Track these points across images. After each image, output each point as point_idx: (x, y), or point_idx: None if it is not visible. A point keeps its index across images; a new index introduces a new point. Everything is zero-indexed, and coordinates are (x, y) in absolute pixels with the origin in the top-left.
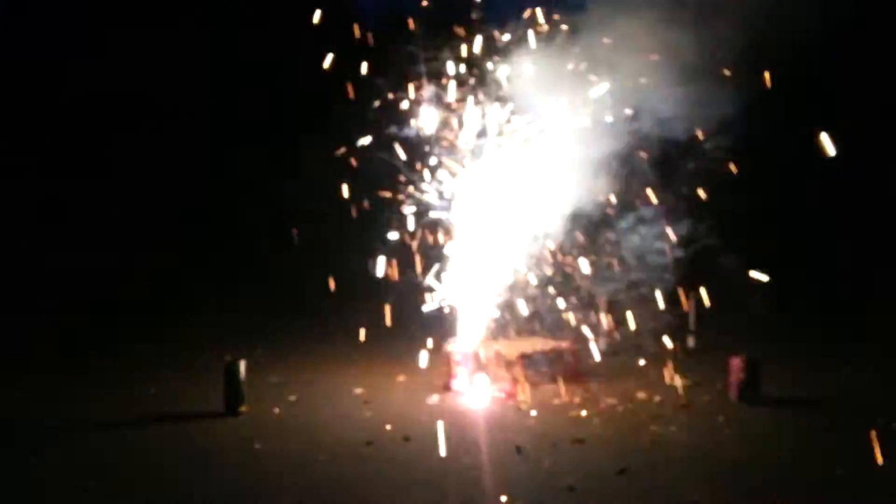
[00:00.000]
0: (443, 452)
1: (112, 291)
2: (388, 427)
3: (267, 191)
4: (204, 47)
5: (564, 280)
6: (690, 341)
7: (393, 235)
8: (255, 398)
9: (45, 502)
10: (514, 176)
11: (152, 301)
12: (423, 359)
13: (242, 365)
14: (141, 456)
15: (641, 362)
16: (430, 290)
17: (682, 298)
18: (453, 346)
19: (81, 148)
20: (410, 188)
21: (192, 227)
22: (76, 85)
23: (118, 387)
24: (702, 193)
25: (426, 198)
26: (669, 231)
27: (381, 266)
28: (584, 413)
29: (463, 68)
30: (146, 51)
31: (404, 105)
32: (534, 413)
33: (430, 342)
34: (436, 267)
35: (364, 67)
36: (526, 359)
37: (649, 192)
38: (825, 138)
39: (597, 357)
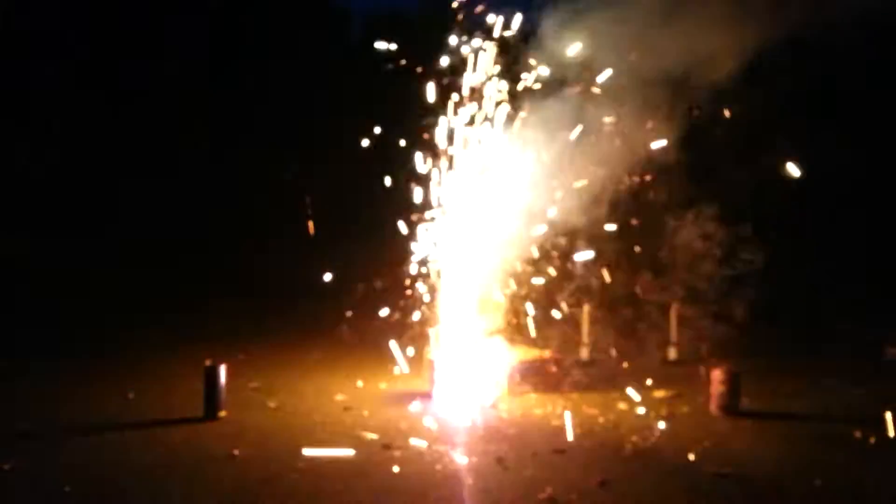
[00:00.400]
0: (423, 461)
1: (91, 292)
2: (368, 434)
3: (252, 193)
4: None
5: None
6: (672, 353)
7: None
8: (235, 403)
9: None
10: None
11: (132, 303)
12: (405, 365)
13: (223, 369)
14: (119, 460)
15: (623, 374)
16: (417, 295)
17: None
18: (436, 354)
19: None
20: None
21: (177, 227)
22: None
23: (96, 390)
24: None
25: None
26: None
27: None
28: (565, 423)
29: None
30: None
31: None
32: (515, 423)
33: (412, 350)
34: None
35: None
36: (509, 368)
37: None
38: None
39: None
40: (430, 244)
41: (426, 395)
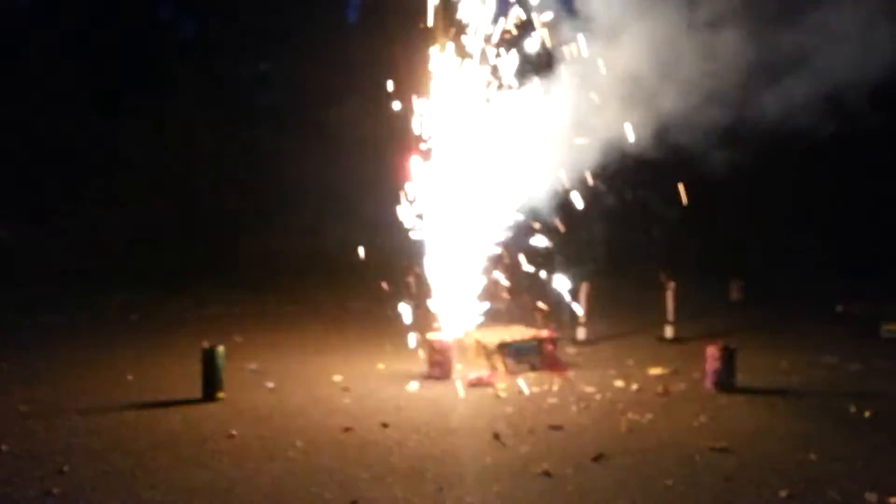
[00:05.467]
0: (421, 438)
1: (90, 275)
2: (366, 414)
3: (247, 176)
4: None
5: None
6: (667, 331)
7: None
8: (233, 384)
9: (17, 485)
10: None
11: (130, 286)
12: (412, 342)
13: (221, 351)
14: (117, 440)
15: (619, 351)
16: (413, 277)
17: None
18: (433, 334)
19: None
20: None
21: (173, 211)
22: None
23: (94, 372)
24: None
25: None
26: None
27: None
28: (561, 401)
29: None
30: None
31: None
32: (512, 401)
33: (410, 329)
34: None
35: None
36: (505, 347)
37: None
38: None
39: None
40: (423, 222)
41: (423, 375)
